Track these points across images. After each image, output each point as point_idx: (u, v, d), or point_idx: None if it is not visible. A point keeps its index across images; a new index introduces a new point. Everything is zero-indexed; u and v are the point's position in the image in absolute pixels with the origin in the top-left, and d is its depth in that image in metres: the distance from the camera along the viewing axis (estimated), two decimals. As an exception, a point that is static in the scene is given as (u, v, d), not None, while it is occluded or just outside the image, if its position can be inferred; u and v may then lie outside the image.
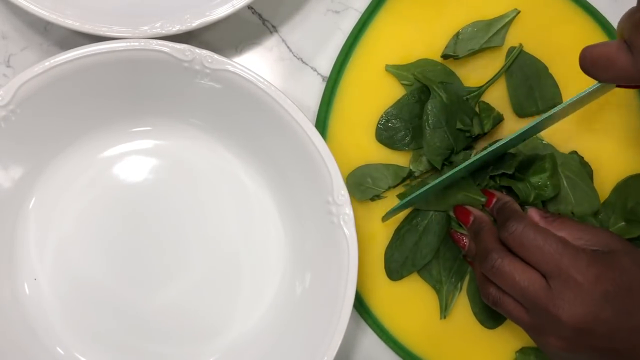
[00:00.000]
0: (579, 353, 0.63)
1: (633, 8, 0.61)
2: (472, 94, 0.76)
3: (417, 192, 0.71)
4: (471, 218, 0.72)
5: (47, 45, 0.78)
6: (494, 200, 0.72)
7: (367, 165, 0.76)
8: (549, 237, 0.64)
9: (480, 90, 0.77)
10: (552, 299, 0.63)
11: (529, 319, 0.65)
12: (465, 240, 0.73)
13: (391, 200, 0.76)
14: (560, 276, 0.63)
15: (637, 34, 0.60)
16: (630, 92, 0.78)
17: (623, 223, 0.75)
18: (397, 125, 0.76)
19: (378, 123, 0.77)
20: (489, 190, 0.74)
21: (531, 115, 0.77)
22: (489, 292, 0.68)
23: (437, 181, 0.71)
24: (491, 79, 0.77)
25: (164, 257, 0.75)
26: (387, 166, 0.76)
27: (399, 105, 0.77)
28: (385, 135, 0.77)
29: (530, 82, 0.77)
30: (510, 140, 0.69)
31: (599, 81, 0.65)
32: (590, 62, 0.64)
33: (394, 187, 0.76)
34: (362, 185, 0.76)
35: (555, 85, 0.77)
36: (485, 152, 0.70)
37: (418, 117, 0.76)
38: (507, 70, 0.77)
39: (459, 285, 0.76)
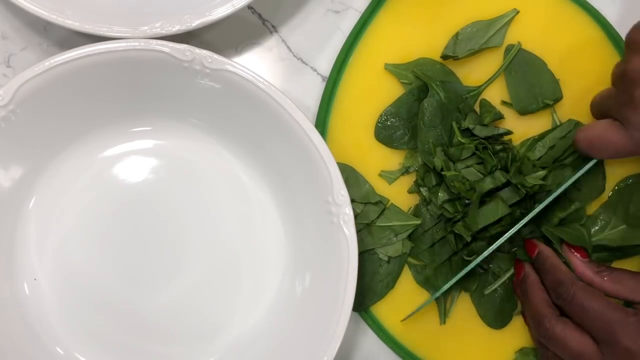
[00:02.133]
0: None
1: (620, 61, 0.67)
2: (471, 93, 0.76)
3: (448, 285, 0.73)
4: (535, 252, 0.73)
5: (46, 45, 0.78)
6: (536, 251, 0.73)
7: (352, 168, 0.76)
8: (598, 301, 0.66)
9: (480, 89, 0.77)
10: None
11: None
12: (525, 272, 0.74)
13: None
14: (611, 343, 0.64)
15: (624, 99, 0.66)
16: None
17: (624, 226, 0.75)
18: (396, 124, 0.76)
19: (377, 122, 0.77)
20: (531, 240, 0.75)
21: (532, 112, 0.76)
22: (548, 357, 0.69)
23: (466, 269, 0.72)
24: (490, 78, 0.77)
25: (164, 257, 0.75)
26: (365, 182, 0.76)
27: (398, 103, 0.77)
28: (384, 134, 0.77)
29: (530, 78, 0.77)
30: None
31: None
32: (586, 145, 0.70)
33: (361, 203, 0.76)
34: None
35: (554, 81, 0.77)
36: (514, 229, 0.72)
37: (417, 116, 0.76)
38: (507, 69, 0.77)
39: (458, 289, 0.76)
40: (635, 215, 0.74)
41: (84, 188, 0.74)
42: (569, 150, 0.74)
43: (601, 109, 0.71)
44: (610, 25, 0.78)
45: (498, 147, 0.74)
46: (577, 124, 0.76)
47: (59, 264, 0.74)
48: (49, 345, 0.73)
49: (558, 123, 0.76)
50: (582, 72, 0.78)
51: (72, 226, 0.74)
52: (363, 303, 0.76)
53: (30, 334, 0.72)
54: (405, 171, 0.76)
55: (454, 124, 0.74)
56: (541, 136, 0.76)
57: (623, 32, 0.75)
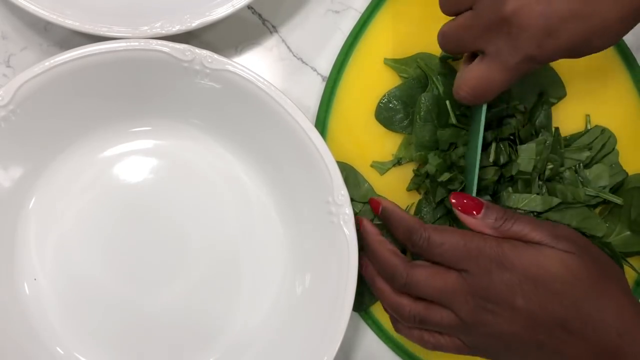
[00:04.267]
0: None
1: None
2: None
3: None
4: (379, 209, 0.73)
5: (46, 46, 0.78)
6: (380, 208, 0.72)
7: (351, 167, 0.76)
8: (454, 233, 0.65)
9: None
10: (469, 289, 0.64)
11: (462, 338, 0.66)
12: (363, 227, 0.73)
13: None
14: (470, 268, 0.64)
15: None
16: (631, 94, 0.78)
17: (628, 233, 0.75)
18: (397, 107, 0.76)
19: (379, 102, 0.77)
20: (373, 197, 0.74)
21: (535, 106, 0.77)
22: (411, 309, 0.67)
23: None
24: None
25: (164, 258, 0.75)
26: (365, 182, 0.76)
27: (402, 87, 0.77)
28: (385, 115, 0.77)
29: (533, 76, 0.77)
30: None
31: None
32: (471, 97, 0.68)
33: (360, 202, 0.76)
34: None
35: (557, 78, 0.78)
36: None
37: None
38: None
39: None
40: (636, 221, 0.74)
41: (84, 188, 0.74)
42: None
43: (458, 42, 0.68)
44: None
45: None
46: (604, 130, 0.76)
47: (59, 264, 0.74)
48: (49, 345, 0.73)
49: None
50: (584, 70, 0.78)
51: (72, 226, 0.74)
52: (363, 303, 0.76)
53: (30, 334, 0.72)
54: (397, 162, 0.76)
55: (447, 104, 0.74)
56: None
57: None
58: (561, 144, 0.75)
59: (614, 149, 0.77)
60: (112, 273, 0.74)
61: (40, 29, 0.78)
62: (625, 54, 0.78)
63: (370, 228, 0.71)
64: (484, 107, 0.69)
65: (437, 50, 0.77)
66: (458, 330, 0.65)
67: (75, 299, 0.74)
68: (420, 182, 0.76)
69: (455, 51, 0.69)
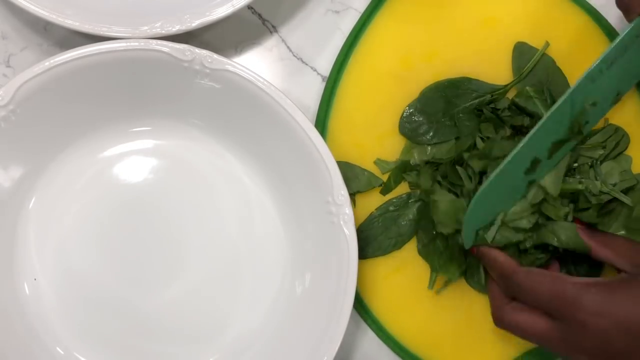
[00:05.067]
0: None
1: None
2: (497, 92, 0.76)
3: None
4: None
5: (46, 46, 0.78)
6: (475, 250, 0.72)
7: (346, 162, 0.76)
8: (546, 278, 0.65)
9: (506, 88, 0.77)
10: (563, 338, 0.64)
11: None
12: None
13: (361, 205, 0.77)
14: (566, 318, 0.63)
15: None
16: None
17: (623, 232, 0.75)
18: (420, 119, 0.76)
19: (402, 115, 0.77)
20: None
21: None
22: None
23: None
24: (518, 78, 0.77)
25: (164, 257, 0.75)
26: (363, 171, 0.76)
27: (422, 99, 0.77)
28: (409, 127, 0.76)
29: (539, 76, 0.77)
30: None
31: None
32: None
33: (362, 192, 0.76)
34: None
35: (563, 78, 0.78)
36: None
37: (442, 112, 0.76)
38: (515, 67, 0.78)
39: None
40: (636, 219, 0.74)
41: (84, 188, 0.74)
42: None
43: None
44: (609, 23, 0.78)
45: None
46: (618, 129, 0.77)
47: (59, 264, 0.74)
48: (48, 345, 0.73)
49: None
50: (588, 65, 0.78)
51: (72, 226, 0.74)
52: (365, 252, 0.76)
53: (30, 334, 0.72)
54: (400, 163, 0.76)
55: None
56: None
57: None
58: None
59: (627, 147, 0.77)
60: (112, 273, 0.74)
61: (40, 29, 0.78)
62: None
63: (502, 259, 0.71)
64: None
65: (436, 54, 0.77)
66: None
67: (75, 299, 0.74)
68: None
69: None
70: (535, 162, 0.71)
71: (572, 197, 0.73)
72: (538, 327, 0.65)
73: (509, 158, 0.70)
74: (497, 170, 0.70)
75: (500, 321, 0.68)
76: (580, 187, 0.72)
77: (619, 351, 0.62)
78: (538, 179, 0.72)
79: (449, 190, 0.74)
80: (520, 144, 0.70)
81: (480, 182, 0.73)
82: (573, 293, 0.63)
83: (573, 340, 0.63)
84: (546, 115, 0.70)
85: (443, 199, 0.73)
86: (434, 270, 0.75)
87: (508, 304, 0.68)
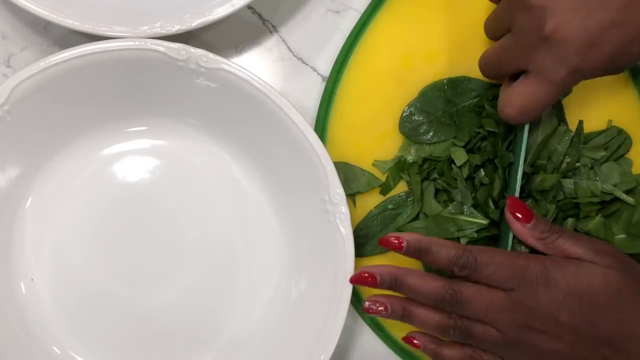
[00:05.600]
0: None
1: None
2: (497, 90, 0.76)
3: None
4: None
5: (46, 45, 0.78)
6: (403, 242, 0.68)
7: (345, 163, 0.76)
8: (500, 253, 0.66)
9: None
10: (515, 307, 0.64)
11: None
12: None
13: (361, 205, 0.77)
14: (517, 284, 0.64)
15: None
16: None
17: (623, 236, 0.74)
18: (420, 119, 0.76)
19: (402, 114, 0.76)
20: (385, 237, 0.68)
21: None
22: (456, 325, 0.67)
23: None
24: None
25: (161, 257, 0.75)
26: (363, 172, 0.76)
27: (422, 98, 0.77)
28: (409, 127, 0.76)
29: None
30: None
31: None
32: (518, 116, 0.68)
33: (362, 193, 0.76)
34: None
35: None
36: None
37: (441, 111, 0.76)
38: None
39: None
40: (637, 225, 0.74)
41: (80, 188, 0.75)
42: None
43: (500, 65, 0.69)
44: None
45: None
46: (621, 132, 0.76)
47: (56, 264, 0.74)
48: (45, 344, 0.73)
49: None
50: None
51: (69, 226, 0.74)
52: (364, 250, 0.76)
53: (27, 334, 0.72)
54: (398, 161, 0.76)
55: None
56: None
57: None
58: (581, 139, 0.75)
59: (629, 150, 0.76)
60: (109, 273, 0.74)
61: (40, 28, 0.78)
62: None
63: (397, 268, 0.69)
64: (527, 127, 0.71)
65: (436, 54, 0.77)
66: (501, 348, 0.66)
67: (72, 298, 0.74)
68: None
69: (497, 75, 0.71)
70: None
71: (574, 210, 0.74)
72: (494, 297, 0.65)
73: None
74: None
75: (454, 296, 0.66)
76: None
77: (564, 324, 0.63)
78: None
79: (444, 189, 0.75)
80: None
81: (473, 179, 0.74)
82: (527, 264, 0.65)
83: (525, 309, 0.64)
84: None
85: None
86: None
87: (457, 283, 0.67)
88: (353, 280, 0.69)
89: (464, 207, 0.74)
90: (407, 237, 0.67)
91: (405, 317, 0.68)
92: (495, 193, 0.73)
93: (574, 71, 0.64)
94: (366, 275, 0.67)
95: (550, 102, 0.67)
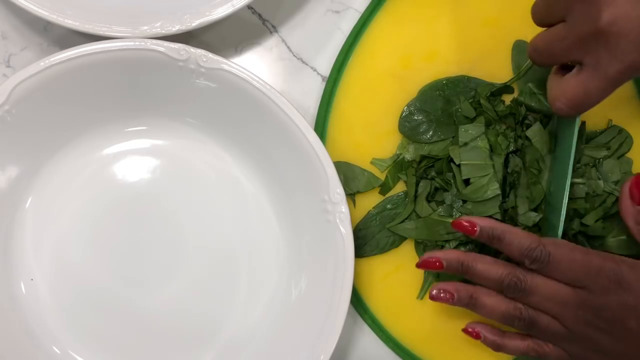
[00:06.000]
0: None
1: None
2: (496, 89, 0.76)
3: None
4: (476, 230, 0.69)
5: (46, 45, 0.78)
6: (477, 228, 0.69)
7: (346, 162, 0.76)
8: (579, 251, 0.66)
9: (506, 84, 0.77)
10: (582, 304, 0.65)
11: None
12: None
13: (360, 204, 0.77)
14: (587, 284, 0.64)
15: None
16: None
17: (624, 237, 0.74)
18: (419, 118, 0.76)
19: (401, 114, 0.76)
20: (458, 220, 0.70)
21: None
22: (522, 314, 0.68)
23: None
24: (517, 75, 0.77)
25: (160, 257, 0.75)
26: (363, 171, 0.76)
27: (421, 98, 0.77)
28: (408, 127, 0.76)
29: (541, 72, 0.76)
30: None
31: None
32: (569, 108, 0.66)
33: (362, 193, 0.76)
34: None
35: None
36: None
37: (441, 111, 0.76)
38: (514, 65, 0.78)
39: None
40: None
41: (80, 188, 0.75)
42: None
43: (552, 54, 0.66)
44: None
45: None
46: (622, 130, 0.77)
47: (56, 264, 0.74)
48: (45, 344, 0.73)
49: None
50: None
51: (68, 226, 0.74)
52: (364, 250, 0.76)
53: (27, 334, 0.72)
54: (397, 158, 0.76)
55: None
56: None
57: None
58: (583, 139, 0.75)
59: (630, 148, 0.77)
60: (109, 272, 0.74)
61: (40, 28, 0.78)
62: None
63: (464, 254, 0.70)
64: (578, 120, 0.69)
65: (436, 54, 0.77)
66: (563, 340, 0.67)
67: (72, 298, 0.74)
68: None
69: (549, 63, 0.68)
70: None
71: (578, 212, 0.74)
72: (561, 290, 0.65)
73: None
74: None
75: (525, 283, 0.67)
76: (580, 180, 0.74)
77: (632, 330, 0.63)
78: None
79: (442, 188, 0.75)
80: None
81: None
82: (602, 264, 0.64)
83: (592, 308, 0.64)
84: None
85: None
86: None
87: (527, 271, 0.68)
88: (420, 265, 0.70)
89: (453, 210, 0.74)
90: (480, 223, 0.68)
91: (471, 304, 0.69)
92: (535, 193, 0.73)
93: (630, 67, 0.61)
94: (433, 259, 0.69)
95: (604, 96, 0.64)
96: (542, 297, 0.66)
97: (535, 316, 0.67)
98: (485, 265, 0.68)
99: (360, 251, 0.75)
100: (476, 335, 0.71)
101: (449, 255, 0.69)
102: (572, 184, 0.71)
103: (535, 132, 0.74)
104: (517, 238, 0.67)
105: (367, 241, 0.76)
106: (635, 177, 0.68)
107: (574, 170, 0.71)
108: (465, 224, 0.68)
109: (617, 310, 0.63)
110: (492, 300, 0.69)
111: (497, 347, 0.70)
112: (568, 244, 0.67)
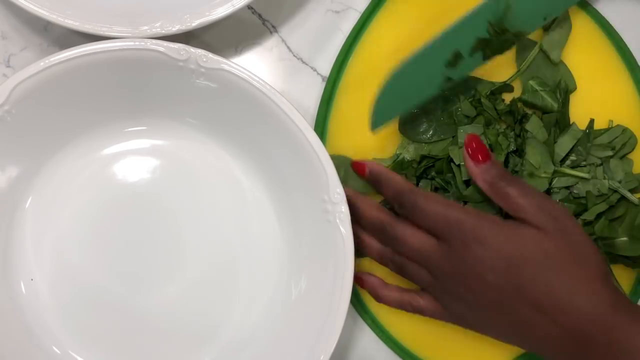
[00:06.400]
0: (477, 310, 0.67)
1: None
2: (497, 87, 0.77)
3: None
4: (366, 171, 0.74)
5: (46, 45, 0.78)
6: (367, 170, 0.74)
7: (345, 157, 0.76)
8: (440, 202, 0.68)
9: (506, 82, 0.77)
10: (444, 257, 0.67)
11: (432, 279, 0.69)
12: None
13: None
14: (449, 239, 0.66)
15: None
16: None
17: (625, 238, 0.74)
18: (419, 118, 0.76)
19: (400, 115, 0.76)
20: (356, 161, 0.75)
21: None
22: (393, 259, 0.71)
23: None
24: (516, 73, 0.77)
25: (160, 257, 0.75)
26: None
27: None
28: (408, 127, 0.76)
29: (544, 71, 0.77)
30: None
31: None
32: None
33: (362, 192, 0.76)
34: None
35: (568, 72, 0.77)
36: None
37: (441, 110, 0.76)
38: (517, 63, 0.78)
39: None
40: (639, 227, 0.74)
41: (80, 188, 0.75)
42: None
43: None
44: (609, 23, 0.78)
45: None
46: (625, 130, 0.76)
47: (56, 264, 0.74)
48: (45, 344, 0.73)
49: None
50: (586, 72, 0.78)
51: (68, 226, 0.74)
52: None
53: (26, 334, 0.72)
54: (396, 158, 0.76)
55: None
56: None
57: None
58: (590, 138, 0.75)
59: (634, 148, 0.77)
60: (109, 272, 0.74)
61: (41, 28, 0.78)
62: (627, 56, 0.78)
63: (353, 192, 0.73)
64: None
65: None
66: (434, 288, 0.69)
67: (72, 298, 0.74)
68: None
69: None
70: (456, 56, 0.73)
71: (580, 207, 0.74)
72: (426, 243, 0.67)
73: (430, 43, 0.72)
74: (418, 52, 0.72)
75: (389, 233, 0.70)
76: (586, 175, 0.74)
77: (489, 284, 0.65)
78: (456, 77, 0.73)
79: (442, 188, 0.75)
80: (444, 30, 0.72)
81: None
82: (463, 218, 0.66)
83: (452, 261, 0.66)
84: (472, 8, 0.72)
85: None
86: None
87: (396, 218, 0.70)
88: (354, 163, 0.75)
89: None
90: (370, 166, 0.73)
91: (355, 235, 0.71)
92: None
93: None
94: (361, 164, 0.74)
95: None
96: (409, 247, 0.68)
97: (405, 262, 0.69)
98: (364, 206, 0.72)
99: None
100: (358, 280, 0.74)
101: (349, 191, 0.72)
102: (574, 179, 0.73)
103: (534, 125, 0.74)
104: (394, 183, 0.71)
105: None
106: (467, 137, 0.70)
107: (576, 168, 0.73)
108: (359, 165, 0.74)
109: (475, 265, 0.65)
110: (370, 240, 0.72)
111: (376, 296, 0.73)
112: (439, 198, 0.69)
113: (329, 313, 0.69)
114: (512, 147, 0.74)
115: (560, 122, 0.75)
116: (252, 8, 0.79)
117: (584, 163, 0.74)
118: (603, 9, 0.78)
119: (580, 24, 0.78)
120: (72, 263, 0.74)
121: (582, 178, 0.73)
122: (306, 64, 0.79)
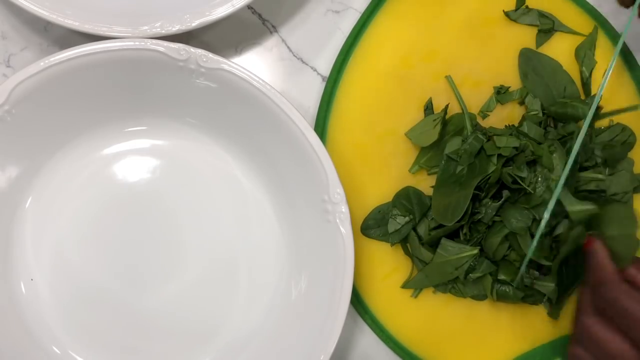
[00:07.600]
0: None
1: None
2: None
3: None
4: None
5: (46, 45, 0.78)
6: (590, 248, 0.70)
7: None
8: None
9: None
10: None
11: None
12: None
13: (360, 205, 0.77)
14: None
15: None
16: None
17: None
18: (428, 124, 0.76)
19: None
20: (591, 235, 0.70)
21: (556, 115, 0.76)
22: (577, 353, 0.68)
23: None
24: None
25: (161, 257, 0.75)
26: None
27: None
28: (419, 132, 0.76)
29: (547, 80, 0.77)
30: None
31: None
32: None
33: (362, 193, 0.76)
34: None
35: (571, 81, 0.77)
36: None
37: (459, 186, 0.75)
38: (522, 73, 0.77)
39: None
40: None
41: (80, 188, 0.75)
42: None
43: None
44: (611, 25, 0.78)
45: None
46: (625, 128, 0.77)
47: (56, 264, 0.74)
48: (45, 344, 0.73)
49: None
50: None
51: (68, 226, 0.74)
52: (369, 232, 0.77)
53: (26, 334, 0.72)
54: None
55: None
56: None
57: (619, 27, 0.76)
58: (592, 138, 0.75)
59: (633, 146, 0.77)
60: (109, 273, 0.74)
61: (41, 28, 0.78)
62: (626, 56, 0.78)
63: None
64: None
65: (436, 54, 0.77)
66: None
67: (72, 298, 0.74)
68: None
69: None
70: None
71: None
72: (621, 349, 0.64)
73: None
74: None
75: (583, 326, 0.67)
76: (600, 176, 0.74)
77: None
78: None
79: None
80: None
81: None
82: None
83: None
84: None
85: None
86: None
87: (593, 315, 0.67)
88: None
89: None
90: (595, 245, 0.69)
91: None
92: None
93: None
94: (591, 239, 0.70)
95: None
96: (605, 353, 0.65)
97: None
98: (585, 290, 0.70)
99: (368, 232, 0.76)
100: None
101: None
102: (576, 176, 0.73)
103: (529, 127, 0.74)
104: (599, 269, 0.68)
105: (380, 225, 0.76)
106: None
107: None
108: (589, 238, 0.70)
109: None
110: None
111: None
112: (634, 295, 0.65)
113: (329, 313, 0.69)
114: None
115: None
116: (252, 8, 0.79)
117: (586, 163, 0.74)
118: (604, 9, 0.78)
119: (579, 23, 0.78)
120: (72, 263, 0.74)
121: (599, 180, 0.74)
122: (306, 64, 0.79)
